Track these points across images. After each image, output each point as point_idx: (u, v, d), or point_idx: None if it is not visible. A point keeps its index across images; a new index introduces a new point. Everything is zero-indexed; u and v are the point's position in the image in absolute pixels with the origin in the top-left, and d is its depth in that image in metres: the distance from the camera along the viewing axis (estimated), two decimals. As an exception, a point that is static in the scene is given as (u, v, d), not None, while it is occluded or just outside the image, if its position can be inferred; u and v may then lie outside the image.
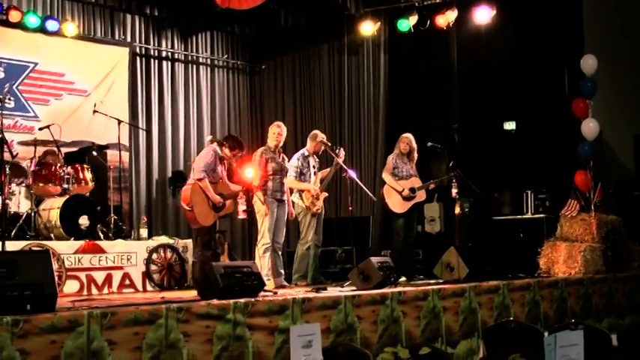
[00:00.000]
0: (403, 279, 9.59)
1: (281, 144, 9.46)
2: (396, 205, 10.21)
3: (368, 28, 12.85)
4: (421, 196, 10.34)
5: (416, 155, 10.42)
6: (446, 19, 12.18)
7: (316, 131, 9.98)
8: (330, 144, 9.81)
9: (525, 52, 11.71)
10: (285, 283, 9.25)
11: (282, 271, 9.35)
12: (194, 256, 9.04)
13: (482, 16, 11.92)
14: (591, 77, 10.66)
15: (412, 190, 10.19)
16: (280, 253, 9.38)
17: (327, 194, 9.92)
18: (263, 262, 8.87)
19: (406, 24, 12.49)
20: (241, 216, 8.90)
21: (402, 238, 10.26)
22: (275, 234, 9.18)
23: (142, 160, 12.95)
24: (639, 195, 11.39)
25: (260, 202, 9.01)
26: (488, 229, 11.51)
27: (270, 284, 8.55)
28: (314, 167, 9.89)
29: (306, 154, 9.84)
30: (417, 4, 12.39)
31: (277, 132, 9.38)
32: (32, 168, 9.81)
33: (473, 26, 12.04)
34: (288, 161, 9.66)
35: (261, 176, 9.06)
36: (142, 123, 12.93)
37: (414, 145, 10.36)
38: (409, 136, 10.38)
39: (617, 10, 11.72)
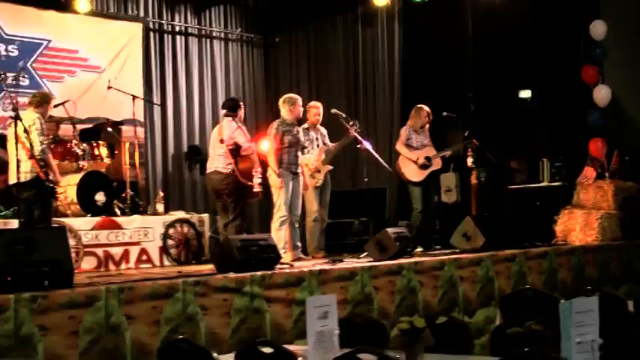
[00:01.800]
0: (420, 249, 9.59)
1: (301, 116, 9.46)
2: (413, 174, 10.18)
3: (382, -2, 12.77)
4: (437, 164, 10.30)
5: (428, 125, 10.38)
6: (460, -14, 12.07)
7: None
8: (344, 115, 9.76)
9: (540, 19, 11.58)
10: (302, 256, 9.26)
11: (299, 244, 9.36)
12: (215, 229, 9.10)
13: (497, -17, 11.80)
14: (602, 43, 10.56)
15: (428, 158, 10.16)
16: (297, 225, 9.38)
17: (331, 167, 9.85)
18: (280, 235, 8.86)
19: (420, -7, 12.40)
20: (256, 189, 8.89)
21: (420, 208, 10.23)
22: (291, 207, 9.17)
23: (157, 136, 12.96)
24: (657, 161, 11.31)
25: (275, 175, 9.01)
26: (505, 197, 11.46)
27: (287, 257, 8.57)
28: (317, 140, 9.83)
29: (306, 126, 9.78)
30: (431, -26, 12.28)
31: (300, 105, 9.37)
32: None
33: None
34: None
35: (277, 149, 9.05)
36: (156, 98, 12.92)
37: (431, 117, 10.33)
38: (428, 109, 10.31)
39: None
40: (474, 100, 12.08)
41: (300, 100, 9.39)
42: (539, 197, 11.23)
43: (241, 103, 9.19)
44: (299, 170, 9.29)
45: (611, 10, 11.07)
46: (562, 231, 10.25)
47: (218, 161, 8.84)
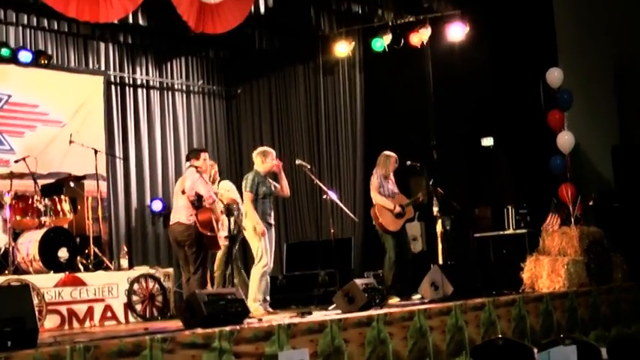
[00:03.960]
0: (397, 299, 9.62)
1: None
2: (390, 223, 10.15)
3: (342, 48, 12.84)
4: (410, 212, 10.32)
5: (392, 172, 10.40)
6: (420, 37, 12.20)
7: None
8: (308, 166, 9.73)
9: (500, 66, 11.75)
10: (270, 309, 9.17)
11: (268, 298, 9.27)
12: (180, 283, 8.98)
13: (456, 33, 11.95)
14: (568, 89, 10.71)
15: (401, 207, 10.16)
16: (268, 278, 9.29)
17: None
18: (262, 285, 8.91)
19: (380, 43, 12.51)
20: (222, 242, 8.82)
21: (394, 258, 10.18)
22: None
23: (120, 189, 12.82)
24: (619, 206, 11.41)
25: (255, 222, 8.95)
26: (471, 245, 11.47)
27: (260, 310, 8.59)
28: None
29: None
30: (390, 23, 12.39)
31: (273, 157, 9.35)
32: (9, 201, 9.67)
33: (447, 43, 12.05)
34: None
35: (252, 198, 9.03)
36: (118, 152, 12.82)
37: (397, 164, 10.36)
38: (394, 155, 10.33)
39: (586, 23, 11.80)
40: (437, 147, 12.13)
41: (273, 153, 9.37)
42: (505, 244, 11.27)
43: (201, 152, 9.11)
44: (272, 221, 9.24)
45: (567, 57, 11.23)
46: (529, 278, 10.24)
47: (180, 212, 8.76)
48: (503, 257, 11.18)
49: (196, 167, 8.79)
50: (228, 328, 6.02)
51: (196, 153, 9.13)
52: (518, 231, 11.13)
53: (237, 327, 6.16)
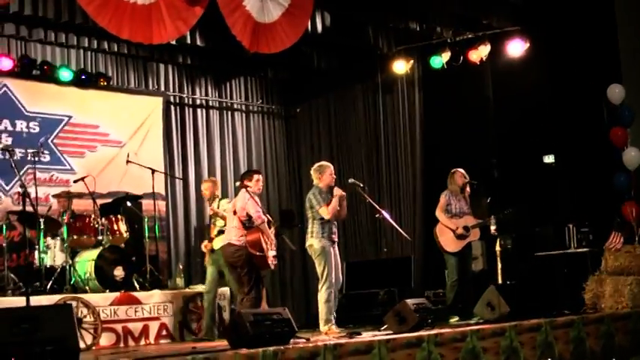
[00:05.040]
0: (456, 319, 9.53)
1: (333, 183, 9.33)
2: (449, 243, 10.04)
3: (401, 66, 12.76)
4: (475, 234, 10.16)
5: (468, 190, 10.26)
6: (479, 54, 12.04)
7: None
8: (361, 185, 9.63)
9: (561, 83, 11.51)
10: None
11: (334, 315, 9.15)
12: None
13: (516, 49, 11.77)
14: (628, 105, 10.45)
15: (466, 228, 10.00)
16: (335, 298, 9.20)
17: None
18: (329, 306, 8.82)
19: (439, 61, 12.39)
20: (271, 261, 8.78)
21: (456, 278, 10.03)
22: (334, 276, 9.05)
23: (179, 209, 12.91)
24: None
25: (316, 243, 8.92)
26: (532, 265, 11.21)
27: (334, 329, 8.66)
28: None
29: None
30: (449, 41, 12.25)
31: (332, 172, 9.26)
32: (66, 221, 9.83)
33: (507, 60, 11.87)
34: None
35: (329, 212, 8.96)
36: (178, 171, 12.92)
37: (467, 179, 10.21)
38: (462, 171, 10.22)
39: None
40: (498, 165, 11.94)
41: (330, 167, 9.28)
42: (566, 264, 10.97)
43: (254, 174, 9.11)
44: (337, 239, 9.18)
45: (631, 72, 10.95)
46: (591, 298, 9.95)
47: (231, 233, 8.78)
48: (565, 277, 10.89)
49: (247, 187, 8.79)
50: (272, 349, 5.96)
51: (249, 174, 9.14)
52: (580, 250, 10.82)
53: (282, 347, 6.10)
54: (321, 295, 8.88)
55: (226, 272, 9.40)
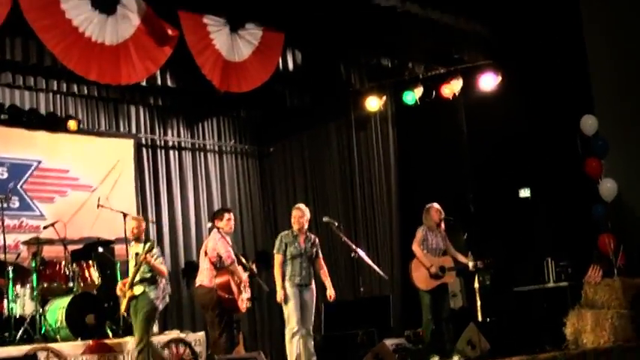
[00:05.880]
0: (437, 358, 9.38)
1: (305, 226, 9.18)
2: (422, 280, 9.87)
3: (374, 102, 12.70)
4: (450, 277, 10.00)
5: (443, 226, 10.15)
6: (451, 88, 12.02)
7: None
8: (336, 223, 9.51)
9: (535, 115, 11.48)
10: None
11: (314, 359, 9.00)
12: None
13: (488, 82, 11.76)
14: (602, 136, 10.44)
15: (442, 269, 9.84)
16: (311, 342, 9.08)
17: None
18: (291, 349, 8.70)
19: (412, 96, 12.35)
20: (242, 304, 8.63)
21: (431, 316, 9.88)
22: (302, 319, 8.91)
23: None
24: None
25: (278, 288, 8.77)
26: (511, 301, 11.10)
27: None
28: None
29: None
30: (421, 76, 12.22)
31: (296, 215, 9.16)
32: (36, 268, 9.62)
33: (479, 93, 11.86)
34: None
35: (280, 260, 8.85)
36: (151, 214, 12.71)
37: (443, 214, 10.11)
38: (438, 206, 10.11)
39: (623, 67, 11.52)
40: (474, 200, 11.88)
41: (299, 209, 9.17)
42: (546, 299, 10.87)
43: (225, 213, 9.00)
44: (307, 282, 9.03)
45: (605, 104, 10.95)
46: (572, 333, 9.84)
47: (203, 275, 8.68)
48: (545, 312, 10.78)
49: (219, 228, 8.65)
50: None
51: (220, 213, 9.03)
52: (560, 284, 10.72)
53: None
54: (286, 338, 8.82)
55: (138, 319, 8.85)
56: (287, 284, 8.92)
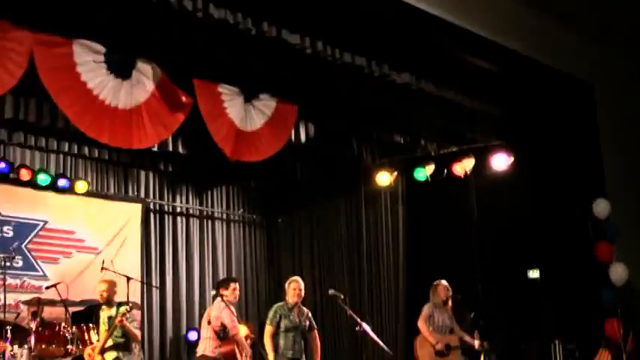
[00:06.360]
0: None
1: (297, 299, 9.09)
2: (427, 358, 9.80)
3: (384, 178, 12.65)
4: (455, 356, 9.83)
5: (450, 304, 10.02)
6: (463, 167, 11.98)
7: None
8: (342, 296, 9.37)
9: (546, 196, 11.40)
10: None
11: None
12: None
13: (500, 162, 11.69)
14: (612, 220, 10.36)
15: (447, 346, 9.70)
16: None
17: None
18: None
19: (423, 173, 12.31)
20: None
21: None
22: None
23: (155, 318, 12.54)
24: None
25: (271, 358, 8.61)
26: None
27: None
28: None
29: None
30: (433, 154, 12.21)
31: (296, 287, 9.05)
32: (35, 329, 9.48)
33: (491, 173, 11.80)
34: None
35: (271, 332, 8.69)
36: (155, 279, 12.62)
37: (450, 292, 9.98)
38: (445, 283, 10.01)
39: (635, 151, 11.51)
40: (482, 280, 11.74)
41: (296, 281, 9.09)
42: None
43: (231, 282, 8.90)
44: (298, 356, 8.86)
45: (616, 187, 10.89)
46: (580, 419, 9.61)
47: (205, 344, 8.53)
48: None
49: (223, 296, 8.54)
50: None
51: (226, 282, 8.93)
52: (567, 367, 10.54)
53: None
54: None
55: None
56: (280, 358, 8.78)
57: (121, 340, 8.49)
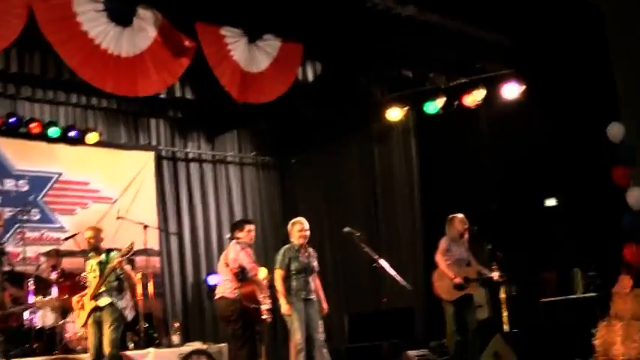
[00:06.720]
0: None
1: (303, 240, 9.05)
2: (445, 291, 9.77)
3: (395, 113, 12.57)
4: (473, 289, 9.85)
5: (467, 236, 10.01)
6: (474, 98, 11.88)
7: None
8: (357, 233, 9.34)
9: (559, 123, 11.29)
10: None
11: None
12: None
13: (511, 91, 11.58)
14: (627, 143, 10.26)
15: (466, 279, 9.72)
16: (326, 350, 8.87)
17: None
18: None
19: (433, 106, 12.20)
20: (264, 315, 8.53)
21: (456, 328, 9.73)
22: (311, 332, 8.74)
23: (174, 265, 12.68)
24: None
25: (282, 301, 8.61)
26: (538, 311, 10.89)
27: None
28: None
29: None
30: (442, 86, 12.09)
31: (301, 229, 8.99)
32: (56, 280, 9.60)
33: (503, 102, 11.69)
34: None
35: (283, 275, 8.68)
36: (173, 226, 12.71)
37: (467, 225, 9.96)
38: (461, 216, 9.99)
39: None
40: (498, 210, 11.71)
41: (300, 223, 9.00)
42: (574, 309, 10.65)
43: (245, 224, 8.90)
44: (311, 296, 8.86)
45: (631, 110, 10.76)
46: (601, 345, 9.57)
47: (224, 286, 8.57)
48: (573, 323, 10.55)
49: (238, 239, 8.56)
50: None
51: (240, 225, 8.93)
52: (588, 295, 10.52)
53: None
54: (291, 354, 8.68)
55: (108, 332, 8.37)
56: (294, 299, 8.73)
57: (114, 283, 8.34)
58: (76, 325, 9.18)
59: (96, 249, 8.51)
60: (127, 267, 8.46)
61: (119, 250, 8.49)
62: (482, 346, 9.45)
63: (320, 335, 8.84)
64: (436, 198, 12.33)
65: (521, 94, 11.54)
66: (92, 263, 8.45)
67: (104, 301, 8.26)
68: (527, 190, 11.62)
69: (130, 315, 8.51)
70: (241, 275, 8.45)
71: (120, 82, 8.61)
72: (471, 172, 11.97)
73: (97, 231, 8.66)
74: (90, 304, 8.31)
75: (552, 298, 10.87)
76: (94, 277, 8.38)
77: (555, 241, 11.38)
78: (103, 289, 8.28)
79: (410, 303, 11.84)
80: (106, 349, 8.18)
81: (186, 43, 9.07)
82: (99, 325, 8.30)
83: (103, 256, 8.40)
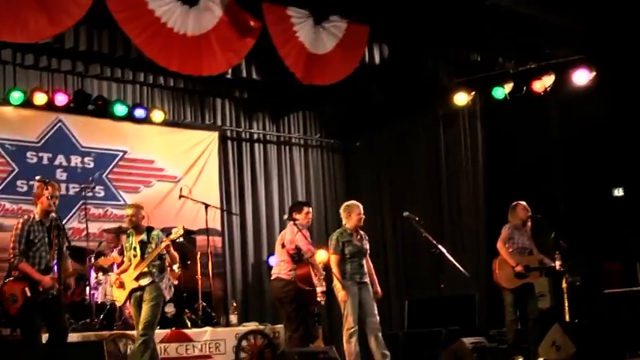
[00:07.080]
0: (521, 359, 9.20)
1: (361, 224, 9.00)
2: (505, 279, 9.67)
3: (462, 98, 12.44)
4: (534, 277, 9.72)
5: (530, 224, 9.87)
6: (543, 84, 11.71)
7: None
8: (416, 218, 9.26)
9: (630, 112, 11.06)
10: None
11: (387, 352, 8.75)
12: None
13: (581, 78, 11.39)
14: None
15: (527, 268, 9.59)
16: (380, 334, 8.81)
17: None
18: (349, 349, 8.45)
19: (501, 92, 12.05)
20: (319, 297, 8.53)
21: (514, 317, 9.62)
22: (365, 316, 8.72)
23: (236, 245, 12.71)
24: None
25: (338, 286, 8.58)
26: (600, 302, 10.70)
27: None
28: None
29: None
30: (511, 71, 11.91)
31: (360, 212, 8.93)
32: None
33: (572, 89, 11.48)
34: None
35: (338, 260, 8.64)
36: (235, 207, 12.75)
37: (530, 212, 9.83)
38: (524, 204, 9.87)
39: None
40: (564, 199, 11.52)
41: (358, 206, 8.96)
42: (637, 301, 10.44)
43: (304, 207, 8.90)
44: (365, 279, 8.82)
45: None
46: (664, 338, 9.41)
47: (280, 267, 8.59)
48: (636, 315, 10.34)
49: (295, 220, 8.56)
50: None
51: (299, 207, 8.94)
52: (652, 287, 10.32)
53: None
54: (344, 337, 8.60)
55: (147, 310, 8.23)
56: (348, 283, 8.66)
57: (157, 262, 8.26)
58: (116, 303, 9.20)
59: (136, 227, 8.41)
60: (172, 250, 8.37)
61: (160, 230, 8.45)
62: (542, 336, 9.32)
63: (374, 319, 8.80)
64: (501, 184, 12.18)
65: (591, 80, 11.32)
66: (132, 241, 8.39)
67: (146, 280, 8.20)
68: (594, 179, 11.41)
69: (168, 295, 8.45)
70: (297, 257, 8.47)
71: (185, 61, 8.68)
72: (536, 160, 11.81)
73: (138, 209, 8.55)
74: (131, 284, 8.26)
75: (616, 290, 10.67)
76: (134, 256, 8.31)
77: (621, 232, 11.16)
78: (145, 269, 8.22)
79: (471, 290, 11.76)
80: (139, 326, 8.12)
81: (252, 23, 9.11)
82: (139, 304, 8.24)
83: (144, 235, 8.32)
